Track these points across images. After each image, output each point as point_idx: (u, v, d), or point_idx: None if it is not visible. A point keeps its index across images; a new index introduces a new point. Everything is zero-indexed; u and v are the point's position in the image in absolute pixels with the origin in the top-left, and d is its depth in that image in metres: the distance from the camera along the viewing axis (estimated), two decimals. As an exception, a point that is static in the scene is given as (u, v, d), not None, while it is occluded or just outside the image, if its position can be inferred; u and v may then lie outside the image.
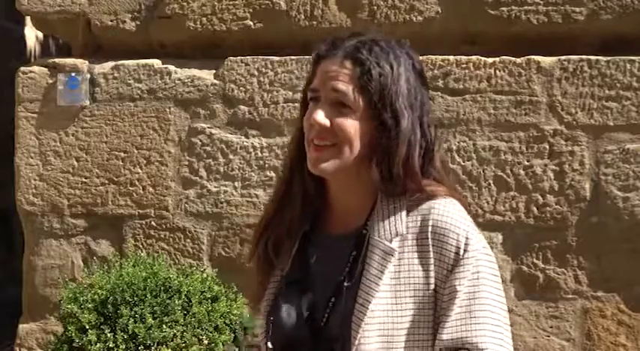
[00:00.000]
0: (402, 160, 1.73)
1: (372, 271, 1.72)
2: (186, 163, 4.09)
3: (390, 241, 1.74)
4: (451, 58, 3.90)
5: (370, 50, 1.77)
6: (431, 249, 1.74)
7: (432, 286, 1.72)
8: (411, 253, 1.74)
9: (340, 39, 1.79)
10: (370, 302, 1.70)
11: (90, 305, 3.49)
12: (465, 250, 1.75)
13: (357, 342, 1.69)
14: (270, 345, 1.79)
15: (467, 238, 1.79)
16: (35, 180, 4.21)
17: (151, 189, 4.13)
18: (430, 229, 1.76)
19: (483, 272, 1.73)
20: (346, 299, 1.72)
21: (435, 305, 1.72)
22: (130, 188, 4.14)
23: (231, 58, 4.04)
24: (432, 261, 1.73)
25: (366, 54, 1.76)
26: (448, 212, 1.81)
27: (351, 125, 1.73)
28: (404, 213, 1.77)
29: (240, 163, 4.03)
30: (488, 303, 1.69)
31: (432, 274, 1.72)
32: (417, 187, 1.75)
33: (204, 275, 3.68)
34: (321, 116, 1.73)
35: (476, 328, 1.68)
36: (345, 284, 1.74)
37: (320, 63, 1.77)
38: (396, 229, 1.75)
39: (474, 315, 1.69)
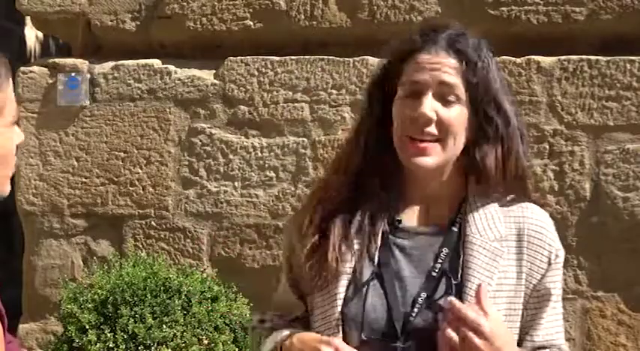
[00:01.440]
0: (515, 157, 1.81)
1: (481, 271, 1.72)
2: (186, 163, 4.09)
3: (493, 242, 1.76)
4: (451, 58, 3.89)
5: (468, 43, 1.77)
6: (525, 252, 1.81)
7: (523, 288, 1.80)
8: (507, 255, 1.77)
9: (430, 30, 1.76)
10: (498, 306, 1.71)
11: (90, 305, 3.49)
12: (556, 256, 1.90)
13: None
14: (363, 336, 1.72)
15: (558, 247, 1.92)
16: (35, 180, 4.21)
17: (150, 189, 4.13)
18: (526, 233, 1.83)
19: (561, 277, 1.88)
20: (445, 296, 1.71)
21: (523, 307, 1.81)
22: (130, 188, 4.14)
23: (231, 58, 4.05)
24: (524, 264, 1.80)
25: (466, 46, 1.75)
26: (543, 217, 1.92)
27: (459, 118, 1.72)
28: (500, 213, 1.81)
29: (240, 163, 4.03)
30: (562, 305, 1.94)
31: (524, 276, 1.80)
32: (523, 186, 1.88)
33: (204, 275, 3.68)
34: (429, 109, 1.70)
35: (559, 329, 1.94)
36: (454, 282, 1.72)
37: (413, 55, 1.73)
38: (498, 231, 1.78)
39: (558, 317, 1.94)
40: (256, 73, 4.02)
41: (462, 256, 1.74)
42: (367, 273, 1.74)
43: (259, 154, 4.02)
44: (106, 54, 4.24)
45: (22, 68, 4.27)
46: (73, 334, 3.49)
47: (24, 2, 4.24)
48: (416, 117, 1.70)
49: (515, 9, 3.87)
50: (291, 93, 3.99)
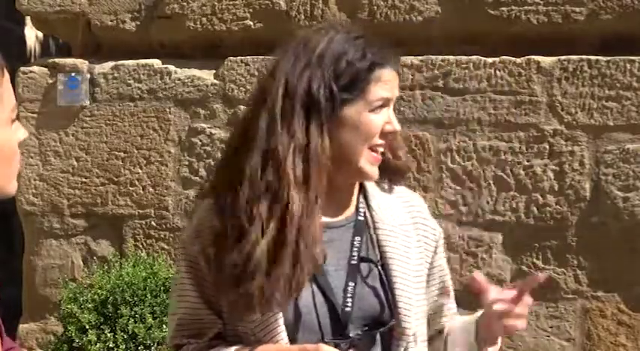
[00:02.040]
0: (405, 152, 1.92)
1: (398, 253, 1.84)
2: (186, 163, 4.09)
3: (400, 226, 1.88)
4: (451, 58, 3.90)
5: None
6: (418, 235, 1.92)
7: (425, 265, 1.91)
8: (409, 236, 1.89)
9: (378, 45, 1.81)
10: (410, 282, 1.84)
11: (90, 305, 3.50)
12: (440, 237, 1.99)
13: (405, 322, 1.81)
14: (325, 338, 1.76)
15: (439, 229, 2.00)
16: (35, 180, 4.21)
17: (150, 189, 4.13)
18: (415, 217, 1.94)
19: None
20: (370, 283, 1.80)
21: (427, 282, 1.93)
22: (130, 188, 4.14)
23: (231, 58, 4.05)
24: (421, 244, 1.91)
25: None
26: (422, 202, 2.05)
27: None
28: (394, 199, 1.94)
29: (240, 163, 4.03)
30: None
31: (423, 255, 1.91)
32: (404, 174, 1.98)
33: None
34: (397, 123, 1.81)
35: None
36: (378, 266, 1.81)
37: (375, 70, 1.77)
38: (399, 216, 1.90)
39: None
40: (256, 73, 4.02)
41: (375, 241, 1.84)
42: None
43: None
44: (106, 54, 4.24)
45: (22, 68, 4.27)
46: (73, 334, 3.49)
47: (24, 2, 4.24)
48: (389, 130, 1.78)
49: (515, 9, 3.87)
50: (291, 93, 3.99)
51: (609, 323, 3.86)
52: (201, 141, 4.07)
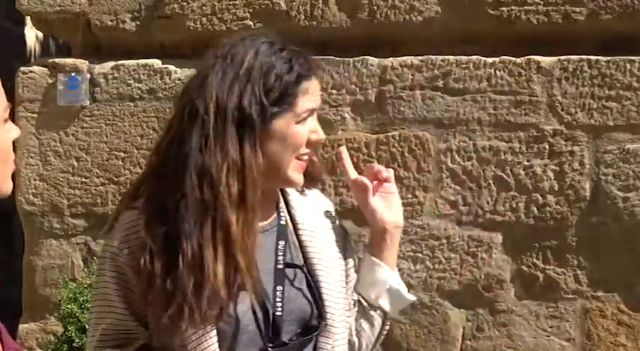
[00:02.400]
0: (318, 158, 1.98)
1: (322, 255, 1.89)
2: (186, 163, 4.08)
3: (319, 227, 1.93)
4: (451, 58, 3.90)
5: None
6: (333, 232, 1.97)
7: (342, 262, 1.95)
8: (328, 236, 1.95)
9: (302, 55, 1.84)
10: (335, 283, 1.88)
11: (90, 305, 3.49)
12: (347, 233, 2.03)
13: (334, 323, 1.85)
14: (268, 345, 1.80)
15: (345, 227, 2.06)
16: (35, 180, 4.21)
17: (150, 189, 4.13)
18: (328, 215, 1.99)
19: None
20: (297, 286, 1.84)
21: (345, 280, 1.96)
22: (130, 188, 4.14)
23: (231, 58, 4.04)
24: (338, 241, 1.96)
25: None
26: (329, 202, 2.10)
27: None
28: (309, 201, 1.98)
29: (240, 163, 4.03)
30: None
31: (340, 254, 1.95)
32: (318, 179, 2.00)
33: (204, 275, 3.67)
34: (322, 132, 1.86)
35: None
36: (303, 269, 1.85)
37: (302, 83, 1.80)
38: (316, 218, 1.95)
39: None
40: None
41: (298, 244, 1.89)
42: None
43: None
44: (106, 54, 4.23)
45: (22, 68, 4.27)
46: (73, 334, 3.49)
47: (24, 2, 4.24)
48: (314, 139, 1.83)
49: (515, 9, 3.87)
50: (291, 93, 3.99)
51: (609, 323, 3.86)
52: (201, 141, 4.07)
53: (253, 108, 1.75)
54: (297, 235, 1.90)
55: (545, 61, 3.84)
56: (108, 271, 1.82)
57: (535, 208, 3.85)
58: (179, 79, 4.08)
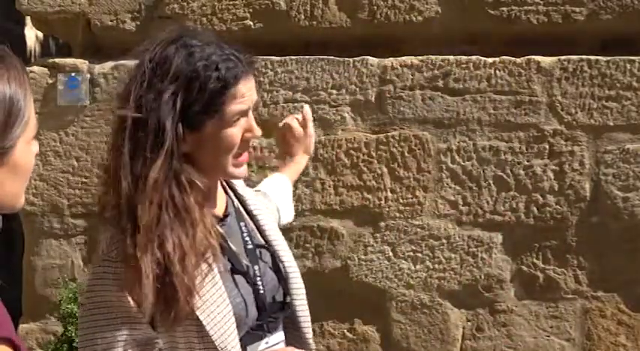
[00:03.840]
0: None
1: (276, 232, 2.00)
2: (186, 163, 4.09)
3: (262, 206, 2.04)
4: (451, 58, 3.90)
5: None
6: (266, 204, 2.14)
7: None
8: (269, 210, 2.10)
9: (231, 55, 1.84)
10: (293, 260, 1.99)
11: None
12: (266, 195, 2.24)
13: (298, 297, 1.96)
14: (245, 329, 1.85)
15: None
16: (35, 180, 4.21)
17: (151, 189, 4.13)
18: (266, 197, 2.15)
19: None
20: (266, 263, 1.93)
21: None
22: (130, 188, 4.14)
23: (231, 58, 4.04)
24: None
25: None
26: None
27: None
28: (249, 188, 2.06)
29: (240, 163, 4.03)
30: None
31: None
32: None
33: (204, 275, 3.67)
34: (257, 129, 1.88)
35: None
36: (267, 247, 1.94)
37: (229, 89, 1.80)
38: (260, 201, 2.05)
39: None
40: (256, 73, 4.02)
41: (253, 224, 1.97)
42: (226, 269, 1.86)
43: (259, 154, 4.02)
44: (106, 54, 4.23)
45: (22, 68, 4.27)
46: (73, 334, 3.49)
47: (24, 2, 4.24)
48: (249, 138, 1.85)
49: (515, 9, 3.87)
50: (291, 93, 3.99)
51: (609, 323, 3.86)
52: (201, 141, 4.07)
53: (176, 119, 1.75)
54: (252, 216, 1.97)
55: (545, 61, 3.85)
56: (109, 283, 1.78)
57: (535, 208, 3.85)
58: (179, 79, 4.08)
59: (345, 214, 3.98)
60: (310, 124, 2.39)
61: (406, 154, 3.92)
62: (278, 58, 4.01)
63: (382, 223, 3.94)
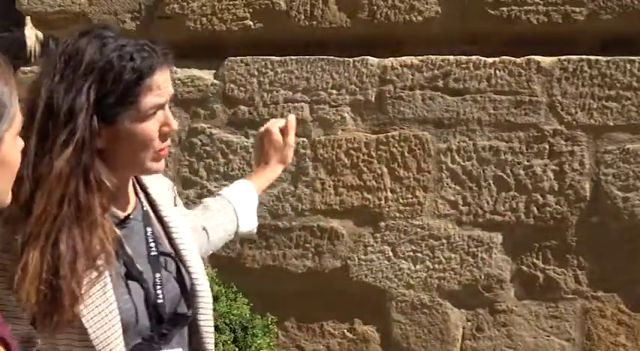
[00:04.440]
0: None
1: (186, 237, 1.91)
2: (186, 163, 4.09)
3: (173, 208, 1.94)
4: (451, 58, 3.90)
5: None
6: (176, 203, 2.01)
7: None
8: (180, 212, 1.98)
9: (145, 47, 1.81)
10: (203, 270, 1.89)
11: None
12: (172, 184, 2.09)
13: (207, 306, 1.88)
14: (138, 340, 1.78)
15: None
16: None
17: (151, 189, 4.13)
18: (174, 194, 2.00)
19: None
20: (169, 272, 1.83)
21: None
22: (130, 188, 4.14)
23: (231, 58, 4.05)
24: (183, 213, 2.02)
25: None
26: None
27: None
28: (158, 184, 1.95)
29: (240, 163, 4.04)
30: None
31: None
32: None
33: (204, 275, 3.68)
34: (174, 122, 1.83)
35: None
36: (172, 255, 1.85)
37: (144, 81, 1.76)
38: (169, 201, 1.95)
39: None
40: (256, 73, 4.02)
41: (162, 229, 1.88)
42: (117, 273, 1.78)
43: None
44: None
45: (22, 68, 4.27)
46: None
47: (24, 2, 4.24)
48: (166, 131, 1.80)
49: (515, 9, 3.87)
50: (291, 93, 3.99)
51: (609, 323, 3.86)
52: (201, 141, 4.07)
53: (89, 112, 1.70)
54: (160, 219, 1.89)
55: (545, 61, 3.85)
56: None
57: (535, 208, 3.85)
58: (179, 79, 4.08)
59: (345, 214, 3.98)
60: (292, 134, 2.29)
61: (406, 154, 3.92)
62: (278, 58, 4.01)
63: (382, 223, 3.94)
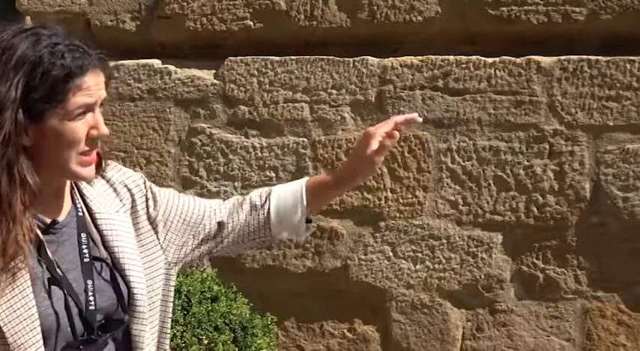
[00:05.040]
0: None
1: (126, 242, 1.87)
2: (186, 163, 4.09)
3: (114, 214, 1.90)
4: (451, 58, 3.90)
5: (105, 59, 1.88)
6: (131, 208, 1.96)
7: (140, 248, 1.93)
8: (126, 221, 1.92)
9: (78, 50, 1.79)
10: (142, 275, 1.85)
11: None
12: (144, 184, 2.06)
13: (146, 314, 1.85)
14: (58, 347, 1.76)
15: (141, 177, 2.08)
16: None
17: (150, 189, 4.13)
18: (117, 183, 1.96)
19: None
20: (105, 277, 1.80)
21: (165, 247, 1.98)
22: (130, 188, 4.14)
23: (231, 58, 4.04)
24: (141, 214, 1.96)
25: (107, 62, 1.88)
26: (116, 163, 2.05)
27: None
28: (102, 184, 1.93)
29: (240, 163, 4.04)
30: None
31: (146, 228, 1.96)
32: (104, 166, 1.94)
33: (204, 275, 3.68)
34: (104, 126, 1.82)
35: None
36: (108, 264, 1.82)
37: (73, 79, 1.75)
38: (109, 199, 1.91)
39: None
40: (256, 73, 4.02)
41: (99, 235, 1.85)
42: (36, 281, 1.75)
43: (259, 154, 4.02)
44: (105, 54, 4.22)
45: (22, 68, 4.27)
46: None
47: (24, 2, 4.24)
48: (94, 135, 1.79)
49: (515, 9, 3.87)
50: (291, 93, 3.99)
51: (609, 323, 3.86)
52: (201, 141, 4.07)
53: (15, 105, 1.69)
54: (96, 226, 1.87)
55: (545, 61, 3.84)
56: None
57: (535, 208, 3.85)
58: (179, 79, 4.09)
59: (345, 214, 3.98)
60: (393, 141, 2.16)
61: (406, 154, 3.92)
62: (278, 58, 4.01)
63: (382, 223, 3.94)
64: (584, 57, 3.82)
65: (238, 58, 4.04)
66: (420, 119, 2.22)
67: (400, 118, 2.18)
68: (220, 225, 2.10)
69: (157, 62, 4.13)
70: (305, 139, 3.98)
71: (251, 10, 4.04)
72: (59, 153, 1.75)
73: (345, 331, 4.03)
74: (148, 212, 1.99)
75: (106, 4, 4.17)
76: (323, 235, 3.99)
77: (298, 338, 4.06)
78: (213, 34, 4.09)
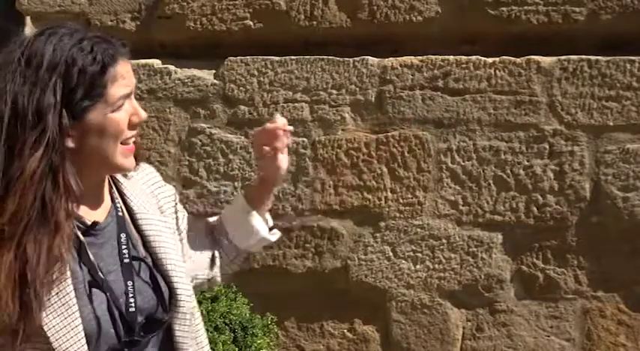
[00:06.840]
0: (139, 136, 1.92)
1: (165, 243, 1.87)
2: (186, 163, 4.09)
3: (154, 213, 1.91)
4: (451, 58, 3.90)
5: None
6: (165, 204, 1.97)
7: (178, 239, 1.98)
8: (164, 221, 1.93)
9: (103, 40, 1.80)
10: (184, 275, 1.86)
11: None
12: (176, 197, 2.06)
13: (186, 309, 1.86)
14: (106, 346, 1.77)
15: (172, 188, 2.07)
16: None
17: (151, 189, 4.13)
18: (154, 185, 1.96)
19: None
20: (144, 278, 1.81)
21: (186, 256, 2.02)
22: (130, 188, 4.14)
23: (231, 58, 4.05)
24: (170, 219, 1.97)
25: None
26: (152, 170, 2.05)
27: None
28: (137, 182, 1.93)
29: (240, 163, 4.04)
30: None
31: (174, 229, 1.98)
32: (142, 157, 1.97)
33: (204, 275, 3.68)
34: (143, 112, 1.82)
35: None
36: (147, 261, 1.83)
37: (108, 71, 1.75)
38: (150, 199, 1.92)
39: None
40: (256, 73, 4.02)
41: (137, 233, 1.86)
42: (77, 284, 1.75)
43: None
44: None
45: (22, 68, 4.27)
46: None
47: (24, 2, 4.24)
48: (136, 121, 1.79)
49: (515, 9, 3.87)
50: (291, 93, 3.99)
51: (609, 323, 3.86)
52: (201, 141, 4.07)
53: (56, 110, 1.68)
54: (136, 226, 1.87)
55: (545, 61, 3.85)
56: None
57: (535, 208, 3.85)
58: (179, 79, 4.09)
59: (345, 214, 3.98)
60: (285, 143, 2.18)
61: (406, 154, 3.92)
62: (278, 58, 4.01)
63: (382, 223, 3.94)
64: (584, 57, 3.82)
65: (238, 58, 4.04)
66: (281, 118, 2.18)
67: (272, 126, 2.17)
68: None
69: (157, 62, 4.13)
70: (305, 139, 3.98)
71: (251, 10, 4.04)
72: (103, 147, 1.75)
73: (345, 331, 4.03)
74: (177, 223, 2.02)
75: (106, 4, 4.17)
76: (323, 235, 3.99)
77: (298, 338, 4.06)
78: (213, 34, 4.10)
